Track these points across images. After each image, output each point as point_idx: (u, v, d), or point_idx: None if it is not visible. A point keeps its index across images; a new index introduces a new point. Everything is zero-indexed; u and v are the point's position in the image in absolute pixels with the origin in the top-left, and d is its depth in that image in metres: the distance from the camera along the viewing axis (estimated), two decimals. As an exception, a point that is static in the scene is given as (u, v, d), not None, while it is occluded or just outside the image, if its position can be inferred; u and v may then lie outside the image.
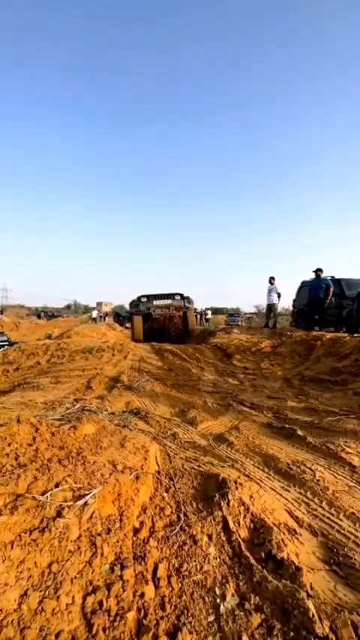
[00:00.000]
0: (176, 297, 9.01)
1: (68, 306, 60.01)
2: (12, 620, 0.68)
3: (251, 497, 1.51)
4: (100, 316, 30.89)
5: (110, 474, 1.21)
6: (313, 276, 8.22)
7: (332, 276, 8.43)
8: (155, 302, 8.81)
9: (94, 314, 31.35)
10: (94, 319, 27.78)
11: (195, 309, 12.38)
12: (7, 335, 17.88)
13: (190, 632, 0.83)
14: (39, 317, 37.78)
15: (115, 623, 0.78)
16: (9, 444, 1.20)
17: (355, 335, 5.88)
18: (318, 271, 8.07)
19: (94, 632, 0.75)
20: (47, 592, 0.76)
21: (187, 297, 9.25)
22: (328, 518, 1.49)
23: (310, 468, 1.93)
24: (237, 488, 1.48)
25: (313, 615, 0.86)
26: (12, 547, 0.79)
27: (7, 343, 15.99)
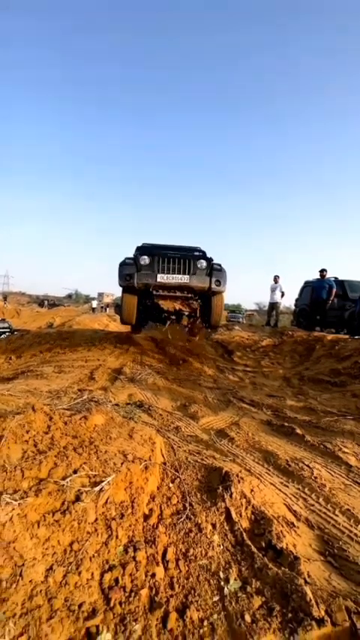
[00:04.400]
0: (199, 266, 4.87)
1: (69, 296, 60.03)
2: (41, 590, 0.75)
3: (252, 490, 1.58)
4: (102, 307, 31.00)
5: (122, 463, 1.28)
6: (316, 275, 8.26)
7: (336, 277, 8.46)
8: (160, 277, 4.77)
9: (94, 304, 31.48)
10: (94, 309, 27.90)
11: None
12: (9, 322, 17.98)
13: (197, 610, 0.90)
14: (41, 305, 37.86)
15: (130, 599, 0.86)
16: (27, 432, 1.27)
17: (357, 337, 5.94)
18: (322, 272, 8.10)
19: (111, 605, 0.82)
20: (70, 567, 0.83)
21: (218, 267, 5.07)
22: (324, 513, 1.56)
23: (308, 466, 2.00)
24: (239, 482, 1.55)
25: (310, 599, 0.93)
26: (38, 526, 0.86)
27: (8, 330, 16.09)
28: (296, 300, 10.12)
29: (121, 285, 5.21)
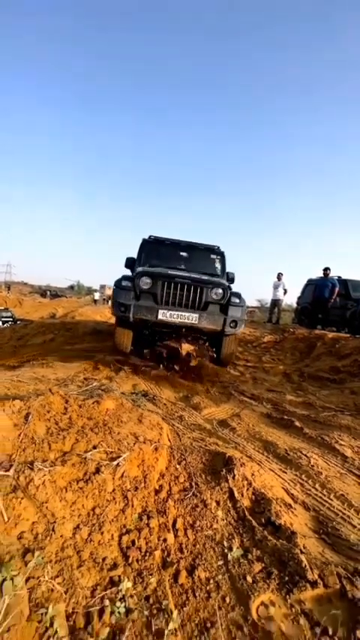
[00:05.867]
0: (214, 296, 3.84)
1: (71, 287, 60.06)
2: (70, 544, 0.86)
3: (252, 474, 1.69)
4: (104, 299, 31.15)
5: (134, 444, 1.39)
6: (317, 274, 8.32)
7: (339, 277, 8.50)
8: (162, 313, 3.71)
9: (97, 296, 31.71)
10: (96, 301, 28.09)
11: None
12: (12, 311, 18.11)
13: (205, 571, 1.01)
14: (43, 295, 37.95)
15: (146, 557, 0.97)
16: (48, 411, 1.37)
17: (357, 336, 6.03)
18: (326, 270, 8.15)
19: (130, 561, 0.93)
20: (93, 528, 0.94)
21: (237, 301, 3.96)
22: (320, 497, 1.67)
23: (305, 455, 2.11)
24: (241, 466, 1.66)
25: (305, 565, 1.04)
26: (66, 491, 0.97)
27: (11, 320, 16.22)
28: (298, 298, 10.18)
29: (114, 315, 4.19)
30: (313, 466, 1.98)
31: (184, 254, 5.03)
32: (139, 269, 4.18)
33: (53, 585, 0.73)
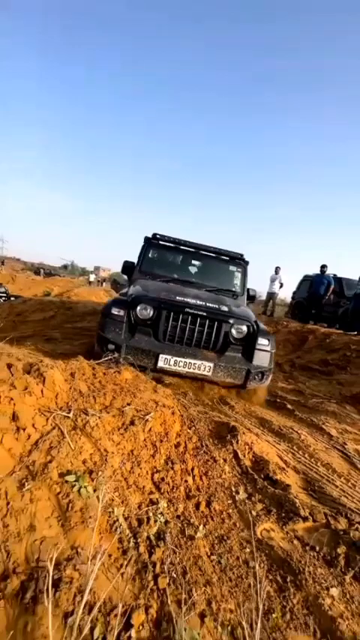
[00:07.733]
0: (235, 334, 2.90)
1: (65, 266, 59.14)
2: (119, 472, 1.08)
3: (252, 442, 1.94)
4: (98, 281, 31.00)
5: (156, 407, 1.60)
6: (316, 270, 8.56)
7: (335, 274, 8.76)
8: (164, 360, 2.69)
9: (92, 277, 31.59)
10: (91, 282, 27.98)
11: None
12: (6, 287, 17.86)
13: (218, 505, 1.26)
14: (37, 273, 37.33)
15: (174, 490, 1.20)
16: (83, 374, 1.57)
17: (348, 333, 6.33)
18: (323, 267, 8.39)
19: (162, 491, 1.16)
20: (134, 464, 1.16)
21: (266, 342, 2.94)
22: (308, 464, 1.94)
23: (296, 432, 2.37)
24: (243, 434, 1.90)
25: (299, 505, 1.29)
26: (112, 434, 1.18)
27: (5, 295, 16.04)
28: (294, 292, 10.45)
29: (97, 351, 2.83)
30: (303, 440, 2.25)
31: (196, 263, 4.06)
32: (137, 288, 3.17)
33: (113, 497, 0.95)
